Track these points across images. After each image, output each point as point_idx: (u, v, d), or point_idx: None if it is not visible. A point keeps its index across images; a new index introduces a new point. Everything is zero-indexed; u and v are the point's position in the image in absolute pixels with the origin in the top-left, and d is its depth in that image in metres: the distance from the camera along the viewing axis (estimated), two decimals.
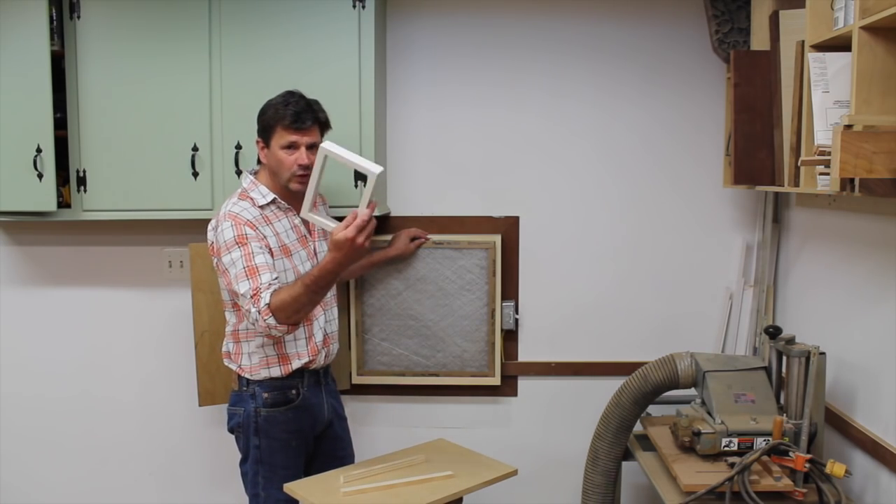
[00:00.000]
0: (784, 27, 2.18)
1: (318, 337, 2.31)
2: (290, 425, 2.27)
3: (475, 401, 2.94)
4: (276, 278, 2.12)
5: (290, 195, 2.28)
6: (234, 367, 2.28)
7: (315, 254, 2.34)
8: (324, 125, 2.29)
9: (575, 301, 2.88)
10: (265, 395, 2.24)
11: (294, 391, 2.27)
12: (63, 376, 3.01)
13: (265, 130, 2.24)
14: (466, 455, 2.38)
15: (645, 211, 2.84)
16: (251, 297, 2.08)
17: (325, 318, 2.34)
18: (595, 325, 2.89)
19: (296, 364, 2.26)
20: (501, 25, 2.80)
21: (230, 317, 2.29)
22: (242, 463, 2.31)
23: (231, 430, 2.33)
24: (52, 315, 2.99)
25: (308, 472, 2.34)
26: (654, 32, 2.77)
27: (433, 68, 2.82)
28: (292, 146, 2.21)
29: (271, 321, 2.06)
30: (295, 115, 2.20)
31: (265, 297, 2.07)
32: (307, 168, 2.20)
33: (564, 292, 2.89)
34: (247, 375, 2.25)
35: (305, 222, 2.32)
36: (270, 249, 2.19)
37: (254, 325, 2.10)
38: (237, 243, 2.13)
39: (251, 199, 2.24)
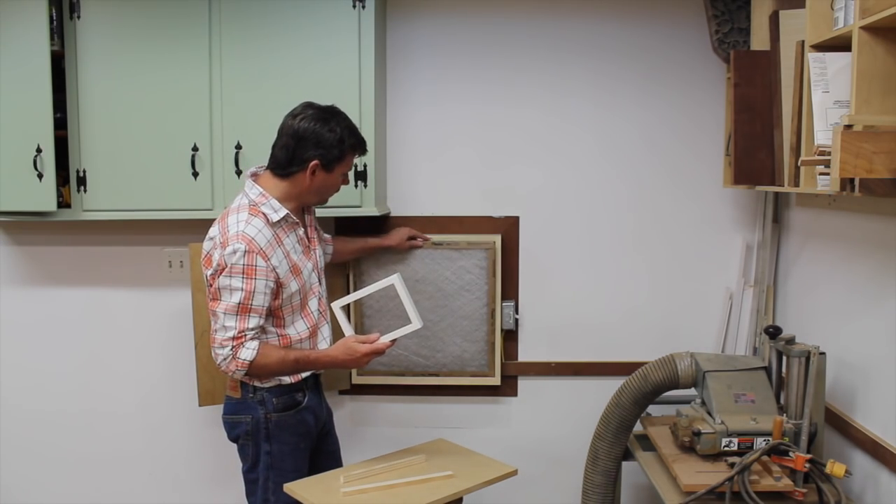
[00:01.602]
0: (784, 27, 2.18)
1: (323, 347, 2.31)
2: (299, 428, 2.25)
3: (475, 401, 2.94)
4: (260, 325, 2.12)
5: (300, 210, 2.27)
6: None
7: (316, 261, 2.33)
8: None
9: (575, 301, 2.88)
10: (275, 400, 2.21)
11: (300, 394, 2.26)
12: (63, 376, 3.01)
13: (336, 158, 2.18)
14: (466, 455, 2.38)
15: (645, 211, 2.84)
16: (234, 338, 2.08)
17: (328, 326, 2.35)
18: (595, 325, 2.89)
19: (304, 374, 2.26)
20: (501, 25, 2.80)
21: None
22: (250, 471, 2.26)
23: (234, 439, 2.28)
24: (52, 315, 2.99)
25: (311, 471, 2.32)
26: (654, 32, 2.77)
27: (433, 68, 2.82)
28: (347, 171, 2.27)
29: (240, 373, 2.11)
30: (364, 146, 2.27)
31: (250, 350, 2.08)
32: None
33: (564, 292, 2.89)
34: (255, 382, 2.21)
35: (307, 231, 2.31)
36: (279, 280, 2.13)
37: (216, 359, 2.11)
38: (244, 274, 2.07)
39: (263, 214, 2.13)
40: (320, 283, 2.33)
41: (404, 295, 2.22)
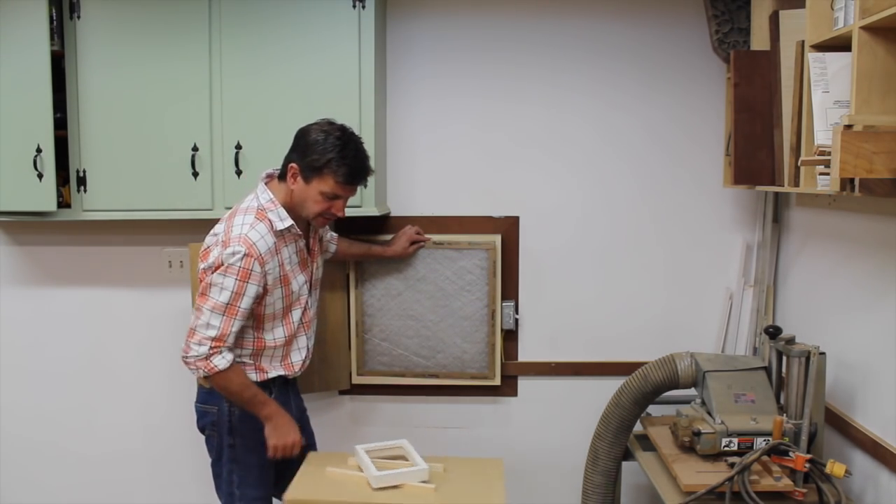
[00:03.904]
0: (784, 27, 2.18)
1: (296, 357, 2.32)
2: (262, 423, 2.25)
3: (475, 401, 2.94)
4: (235, 334, 2.12)
5: (304, 222, 2.25)
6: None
7: (312, 274, 2.33)
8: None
9: (575, 301, 2.88)
10: None
11: (267, 391, 2.25)
12: (63, 376, 3.01)
13: (310, 168, 2.11)
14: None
15: (645, 211, 2.84)
16: (214, 338, 2.07)
17: (307, 337, 2.34)
18: (595, 325, 2.89)
19: (272, 374, 2.27)
20: (501, 26, 2.80)
21: None
22: (215, 464, 2.30)
23: (202, 429, 2.31)
24: (52, 315, 2.99)
25: (278, 465, 2.32)
26: (655, 32, 2.77)
27: (433, 68, 2.82)
28: (335, 197, 2.15)
29: (201, 374, 2.12)
30: (352, 175, 2.12)
31: (224, 360, 2.09)
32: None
33: (564, 292, 2.89)
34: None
35: (308, 244, 2.30)
36: (266, 286, 2.14)
37: (185, 351, 2.10)
38: (238, 276, 2.07)
39: (269, 221, 2.14)
40: (310, 295, 2.33)
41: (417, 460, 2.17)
